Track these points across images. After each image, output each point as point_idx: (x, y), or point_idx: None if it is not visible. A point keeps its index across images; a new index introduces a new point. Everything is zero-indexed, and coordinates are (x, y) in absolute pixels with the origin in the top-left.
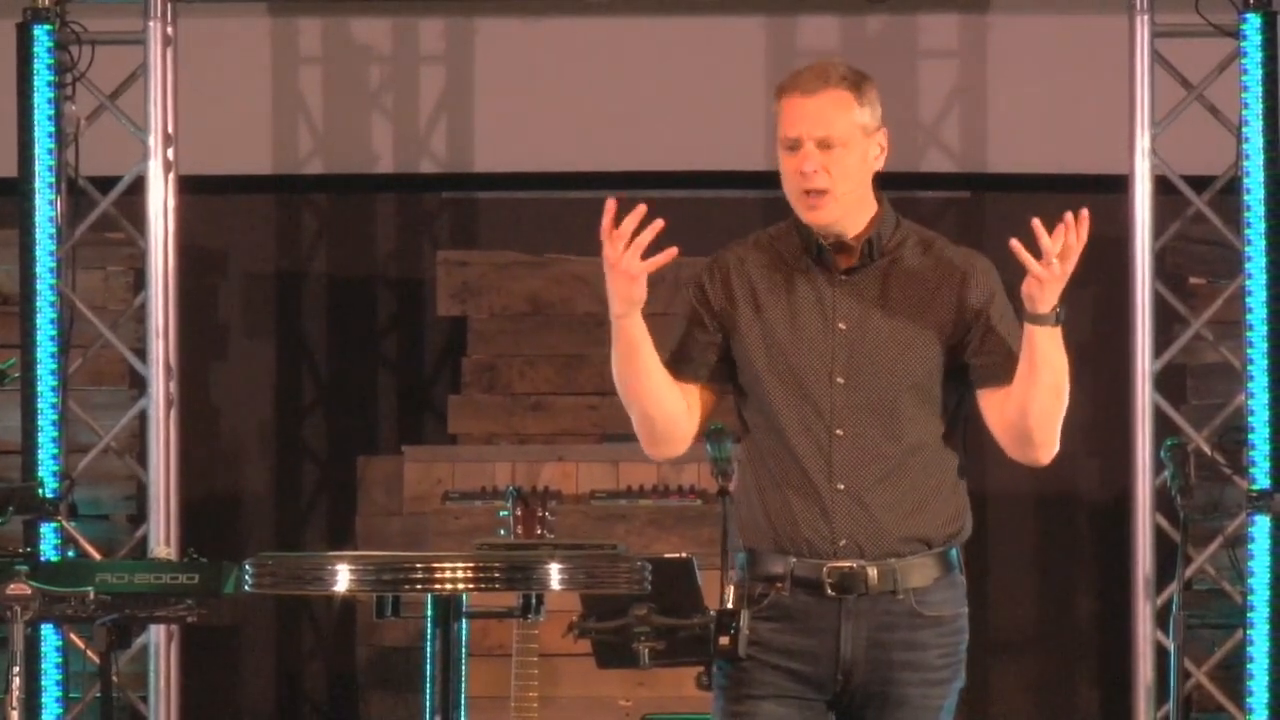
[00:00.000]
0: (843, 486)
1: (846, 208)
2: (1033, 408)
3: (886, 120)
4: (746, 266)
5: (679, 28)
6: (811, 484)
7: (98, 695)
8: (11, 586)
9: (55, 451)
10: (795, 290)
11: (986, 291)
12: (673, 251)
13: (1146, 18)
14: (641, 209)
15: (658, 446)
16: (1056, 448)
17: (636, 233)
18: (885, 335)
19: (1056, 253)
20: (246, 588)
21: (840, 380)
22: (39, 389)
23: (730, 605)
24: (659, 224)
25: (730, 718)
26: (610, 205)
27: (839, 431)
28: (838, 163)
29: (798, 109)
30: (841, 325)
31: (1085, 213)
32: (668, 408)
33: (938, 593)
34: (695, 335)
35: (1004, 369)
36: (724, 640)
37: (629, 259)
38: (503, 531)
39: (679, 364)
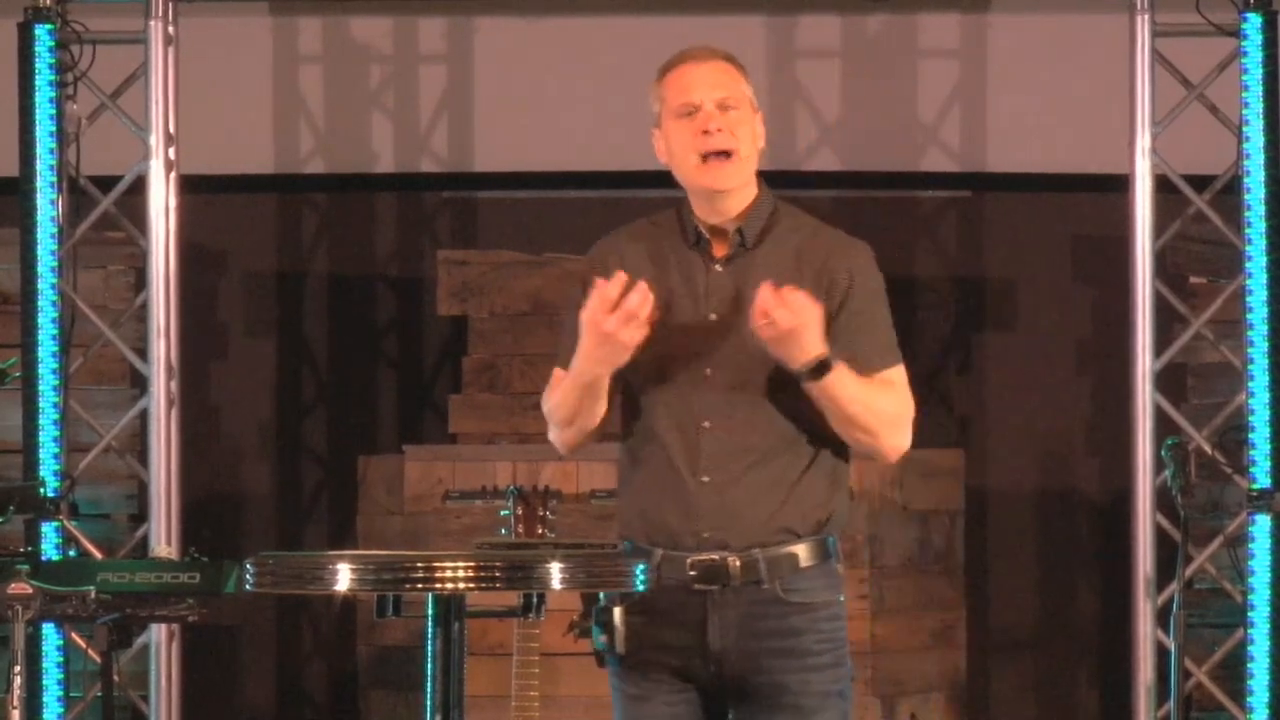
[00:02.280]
0: (708, 479)
1: (746, 175)
2: (839, 433)
3: (887, 119)
4: (624, 257)
5: (679, 27)
6: (678, 476)
7: (98, 694)
8: (12, 586)
9: (56, 451)
10: (670, 281)
11: (851, 278)
12: (648, 297)
13: (1147, 17)
14: (621, 276)
15: (577, 448)
16: (898, 448)
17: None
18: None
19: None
20: (247, 587)
21: (709, 372)
22: (40, 388)
23: (604, 603)
24: (643, 288)
25: (625, 716)
26: (599, 283)
27: (706, 424)
28: (738, 126)
29: (691, 75)
30: (713, 316)
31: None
32: (601, 416)
33: (807, 580)
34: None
35: (858, 364)
36: (603, 638)
37: (630, 330)
38: (504, 531)
39: (567, 357)
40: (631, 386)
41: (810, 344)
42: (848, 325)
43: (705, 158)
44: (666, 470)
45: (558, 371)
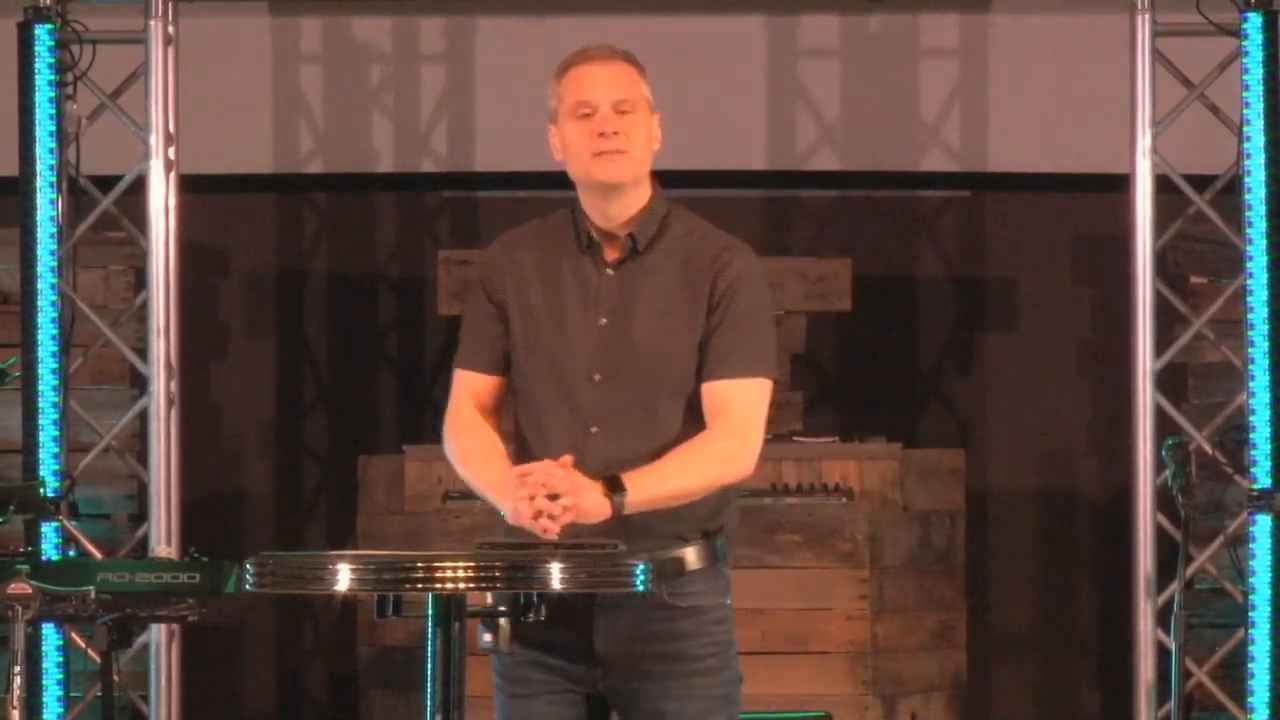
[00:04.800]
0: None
1: (638, 175)
2: None
3: (887, 119)
4: (519, 258)
5: (679, 27)
6: None
7: (98, 694)
8: (12, 586)
9: (56, 451)
10: (562, 283)
11: (731, 283)
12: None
13: (1147, 17)
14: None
15: None
16: (742, 476)
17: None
18: (645, 330)
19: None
20: (247, 587)
21: (598, 377)
22: (40, 388)
23: (490, 602)
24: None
25: (507, 715)
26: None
27: (594, 429)
28: (633, 128)
29: (590, 75)
30: (603, 320)
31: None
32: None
33: (694, 584)
34: (489, 327)
35: (715, 365)
36: (488, 638)
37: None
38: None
39: (476, 358)
40: (522, 389)
41: (595, 510)
42: (720, 328)
43: (599, 154)
44: None
45: (462, 376)
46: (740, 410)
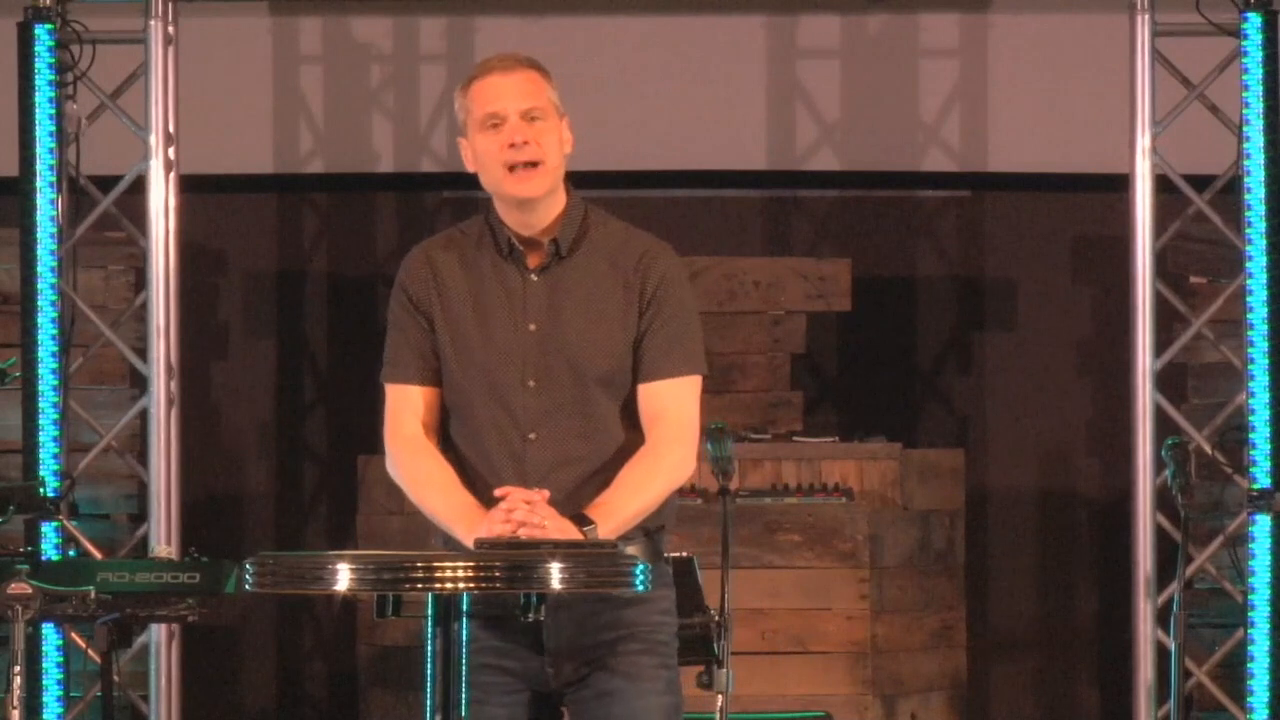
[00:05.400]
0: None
1: (553, 183)
2: None
3: (887, 119)
4: (439, 267)
5: (679, 27)
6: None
7: (98, 694)
8: (12, 586)
9: (56, 451)
10: (487, 291)
11: (659, 284)
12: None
13: (1147, 17)
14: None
15: None
16: (686, 478)
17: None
18: (575, 334)
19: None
20: (247, 587)
21: (531, 383)
22: (40, 388)
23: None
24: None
25: None
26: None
27: (532, 435)
28: (544, 136)
29: (497, 86)
30: (532, 326)
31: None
32: None
33: None
34: (420, 339)
35: (650, 367)
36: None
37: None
38: None
39: (412, 371)
40: (453, 398)
41: (564, 532)
42: (651, 330)
43: (512, 168)
44: (495, 481)
45: (398, 391)
46: (679, 413)
